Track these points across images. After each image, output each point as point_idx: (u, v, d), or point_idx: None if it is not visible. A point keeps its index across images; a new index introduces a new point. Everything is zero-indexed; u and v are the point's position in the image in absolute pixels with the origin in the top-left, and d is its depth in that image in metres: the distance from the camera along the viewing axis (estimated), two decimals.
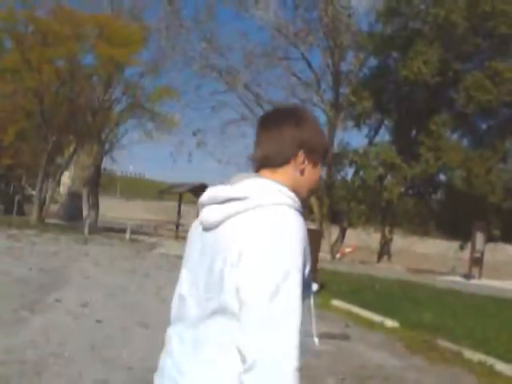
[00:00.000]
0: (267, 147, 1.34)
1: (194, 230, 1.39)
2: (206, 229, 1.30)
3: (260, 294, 1.14)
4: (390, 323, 7.50)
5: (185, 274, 1.38)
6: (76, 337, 5.39)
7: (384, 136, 22.00)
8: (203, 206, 1.32)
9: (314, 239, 10.59)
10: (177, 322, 1.37)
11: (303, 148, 1.32)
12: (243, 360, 1.13)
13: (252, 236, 1.19)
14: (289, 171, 1.33)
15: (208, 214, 1.29)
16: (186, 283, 1.35)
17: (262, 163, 1.34)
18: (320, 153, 1.37)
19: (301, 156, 1.33)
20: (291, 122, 1.34)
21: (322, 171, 1.43)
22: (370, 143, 21.07)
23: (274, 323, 1.12)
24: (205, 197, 1.33)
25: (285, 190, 1.27)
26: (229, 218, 1.25)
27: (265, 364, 1.10)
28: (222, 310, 1.20)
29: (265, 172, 1.33)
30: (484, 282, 16.38)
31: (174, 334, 1.36)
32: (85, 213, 23.35)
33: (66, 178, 26.23)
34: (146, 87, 22.91)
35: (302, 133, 1.33)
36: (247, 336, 1.13)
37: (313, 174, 1.36)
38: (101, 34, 19.57)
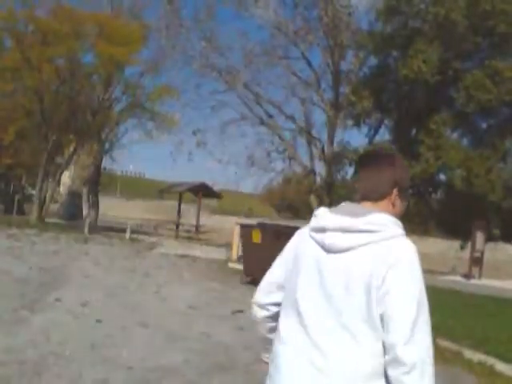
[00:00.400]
0: (369, 184, 1.68)
1: (303, 249, 1.66)
2: (330, 252, 1.58)
3: (410, 312, 1.45)
4: None
5: (300, 289, 1.63)
6: (76, 336, 5.39)
7: (384, 135, 21.99)
8: (325, 230, 1.60)
9: None
10: (295, 329, 1.59)
11: (397, 186, 1.67)
12: (401, 364, 1.43)
13: (392, 264, 1.49)
14: (385, 204, 1.67)
15: (337, 240, 1.57)
16: (305, 298, 1.60)
17: (364, 196, 1.67)
18: (407, 190, 1.73)
19: (395, 193, 1.67)
20: (389, 166, 1.69)
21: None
22: (370, 142, 21.04)
23: (422, 334, 1.46)
24: (327, 223, 1.60)
25: (399, 222, 1.62)
26: (361, 246, 1.54)
27: (420, 365, 1.44)
28: (359, 322, 1.48)
29: (366, 204, 1.66)
30: (484, 281, 16.38)
31: (295, 338, 1.58)
32: (85, 212, 23.34)
33: (66, 178, 26.19)
34: (146, 86, 22.91)
35: (396, 175, 1.68)
36: (404, 345, 1.44)
37: (401, 206, 1.72)
38: (101, 32, 19.55)
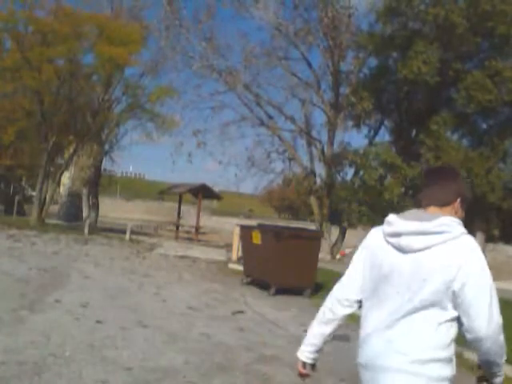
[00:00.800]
0: (437, 192, 2.01)
1: (379, 250, 1.98)
2: (405, 252, 1.90)
3: (487, 298, 1.84)
4: None
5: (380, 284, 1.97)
6: (76, 337, 5.39)
7: (384, 136, 21.97)
8: (400, 235, 1.91)
9: (314, 240, 10.60)
10: (374, 317, 1.94)
11: (460, 197, 2.03)
12: (485, 340, 1.85)
13: (464, 258, 1.84)
14: (449, 210, 2.00)
15: (411, 242, 1.88)
16: (386, 290, 1.93)
17: (432, 202, 2.00)
18: (467, 201, 2.07)
19: (458, 202, 2.02)
20: (455, 178, 2.06)
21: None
22: (370, 143, 21.03)
23: (496, 313, 1.85)
24: (401, 228, 1.92)
25: (461, 223, 1.95)
26: (434, 245, 1.86)
27: (497, 337, 1.87)
28: (430, 305, 1.83)
29: (433, 209, 1.99)
30: None
31: (374, 326, 1.93)
32: (85, 213, 23.33)
33: (65, 179, 26.16)
34: (146, 87, 22.86)
35: (460, 187, 2.05)
36: (486, 326, 1.83)
37: (461, 214, 2.05)
38: (101, 33, 19.54)
